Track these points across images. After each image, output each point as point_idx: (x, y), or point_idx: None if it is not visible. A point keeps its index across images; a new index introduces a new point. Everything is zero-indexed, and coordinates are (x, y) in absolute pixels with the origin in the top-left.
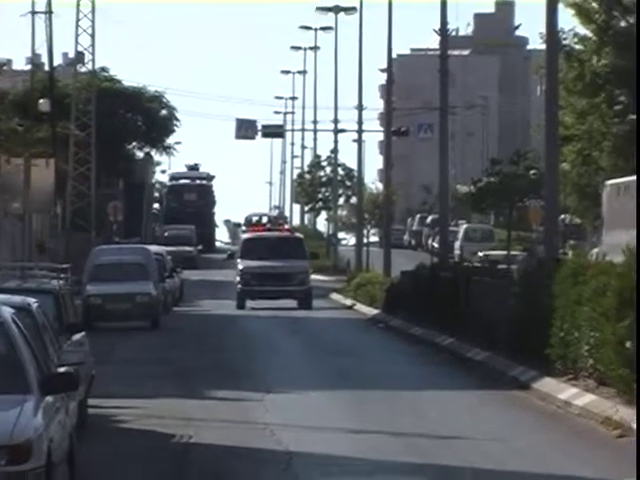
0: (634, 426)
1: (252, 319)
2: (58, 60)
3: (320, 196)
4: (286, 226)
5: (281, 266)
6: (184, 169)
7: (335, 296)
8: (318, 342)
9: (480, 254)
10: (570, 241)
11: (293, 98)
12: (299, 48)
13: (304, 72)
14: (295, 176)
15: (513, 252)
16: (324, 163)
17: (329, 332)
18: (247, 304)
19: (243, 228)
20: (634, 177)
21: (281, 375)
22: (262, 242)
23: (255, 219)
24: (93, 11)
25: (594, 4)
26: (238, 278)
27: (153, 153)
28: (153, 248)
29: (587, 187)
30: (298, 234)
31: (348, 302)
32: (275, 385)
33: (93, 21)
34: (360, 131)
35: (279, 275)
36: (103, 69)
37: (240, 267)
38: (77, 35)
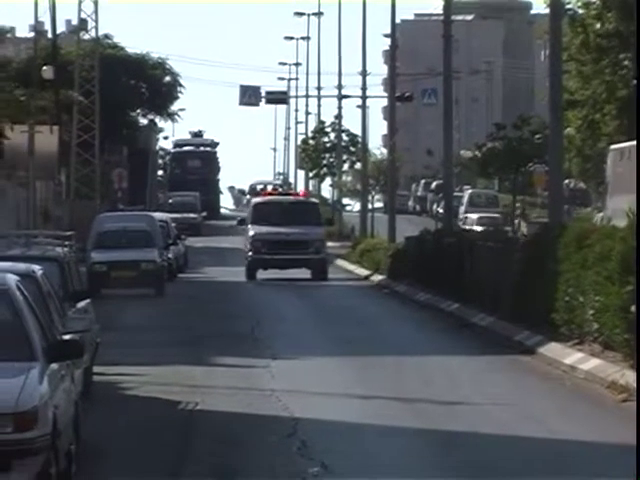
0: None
1: (257, 286)
2: (61, 27)
3: (324, 162)
4: (301, 190)
5: (295, 233)
6: (188, 136)
7: (340, 262)
8: (323, 308)
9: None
10: (576, 207)
11: (297, 64)
12: (302, 14)
13: (308, 38)
14: (299, 142)
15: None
16: (328, 129)
17: (334, 298)
18: (258, 275)
19: (247, 196)
20: (635, 142)
21: (287, 341)
22: (274, 207)
23: (260, 187)
24: None
25: None
26: (248, 246)
27: (157, 120)
28: (157, 215)
29: (590, 152)
30: (313, 199)
31: (358, 270)
32: (281, 351)
33: None
34: (364, 97)
35: (293, 242)
36: (106, 36)
37: (250, 234)
38: (80, 2)
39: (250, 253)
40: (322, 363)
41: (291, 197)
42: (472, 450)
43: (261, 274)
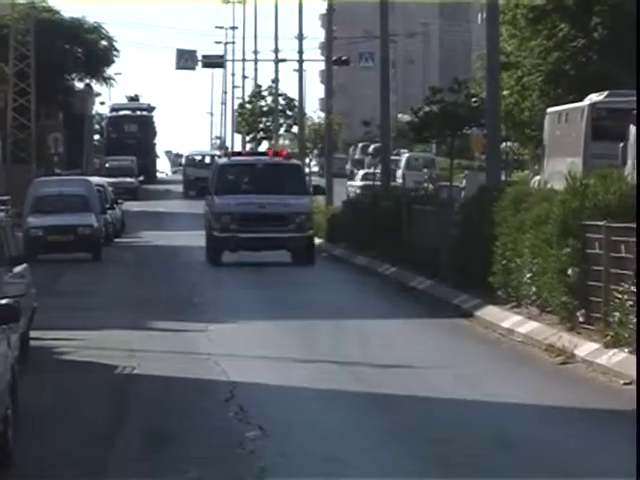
0: (576, 353)
1: (194, 250)
2: None
3: (261, 126)
4: (280, 149)
5: (273, 204)
6: (125, 101)
7: None
8: (261, 272)
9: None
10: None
11: (233, 28)
12: None
13: (244, 2)
14: (236, 106)
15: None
16: (265, 93)
17: (272, 262)
18: (224, 258)
19: (183, 161)
20: (574, 105)
21: (224, 305)
22: (246, 170)
23: (198, 158)
24: None
25: None
26: (211, 221)
27: (93, 84)
28: (94, 179)
29: (520, 115)
30: (295, 160)
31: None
32: (218, 316)
33: None
34: (301, 60)
35: (270, 217)
36: None
37: (214, 205)
38: None
39: (214, 231)
40: (259, 327)
41: (267, 157)
42: (409, 413)
43: (228, 257)
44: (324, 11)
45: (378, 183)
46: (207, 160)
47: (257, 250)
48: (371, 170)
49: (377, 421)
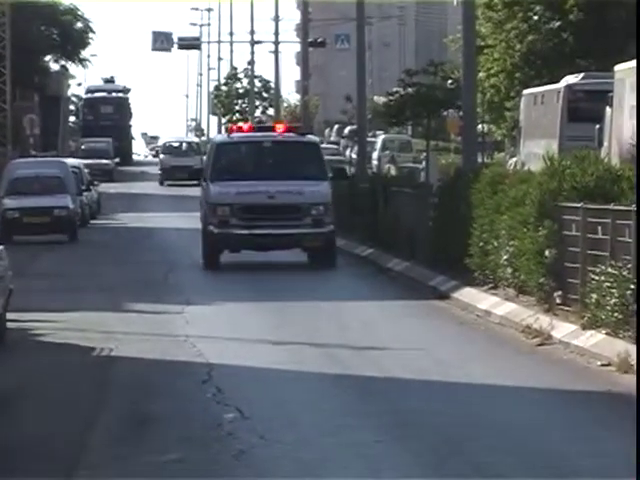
0: (554, 334)
1: (170, 232)
2: None
3: (237, 108)
4: (290, 123)
5: (283, 192)
6: (100, 82)
7: None
8: (237, 254)
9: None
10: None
11: (209, 10)
12: None
13: None
14: (212, 88)
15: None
16: (241, 75)
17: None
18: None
19: (159, 146)
20: (550, 87)
21: (200, 287)
22: (249, 150)
23: (175, 145)
24: None
25: None
26: (207, 214)
27: (69, 66)
28: (70, 161)
29: (496, 97)
30: (311, 136)
31: None
32: (194, 297)
33: None
34: (277, 42)
35: (280, 208)
36: None
37: (210, 194)
38: None
39: (210, 226)
40: (237, 309)
41: (276, 133)
42: (386, 395)
43: (228, 258)
44: None
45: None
46: (184, 147)
47: (264, 249)
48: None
49: (356, 404)
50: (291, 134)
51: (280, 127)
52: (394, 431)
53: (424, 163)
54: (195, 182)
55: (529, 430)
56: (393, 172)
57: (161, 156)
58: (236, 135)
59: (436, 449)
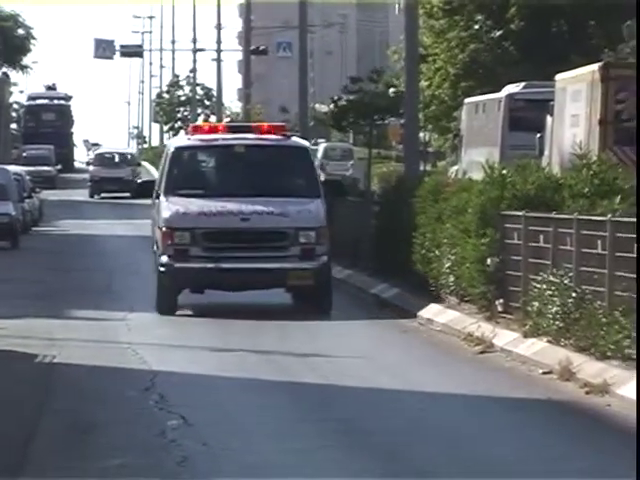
0: (495, 342)
1: (112, 238)
2: None
3: (179, 115)
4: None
5: (262, 214)
6: (42, 89)
7: None
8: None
9: None
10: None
11: (151, 17)
12: None
13: None
14: (154, 96)
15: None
16: (183, 83)
17: None
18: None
19: (96, 150)
20: (492, 95)
21: (142, 294)
22: (216, 157)
23: (107, 156)
24: None
25: None
26: (159, 242)
27: (10, 73)
28: (12, 168)
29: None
30: (301, 140)
31: None
32: (136, 304)
33: None
34: (219, 50)
35: (257, 235)
36: None
37: (163, 215)
38: None
39: (164, 257)
40: (178, 316)
41: (253, 136)
42: (327, 402)
43: (189, 299)
44: (242, 1)
45: None
46: (116, 158)
47: (236, 289)
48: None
49: (297, 410)
50: (273, 136)
51: (258, 128)
52: (338, 437)
53: (351, 171)
54: (126, 195)
55: (471, 437)
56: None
57: (91, 167)
58: (198, 137)
59: (378, 455)
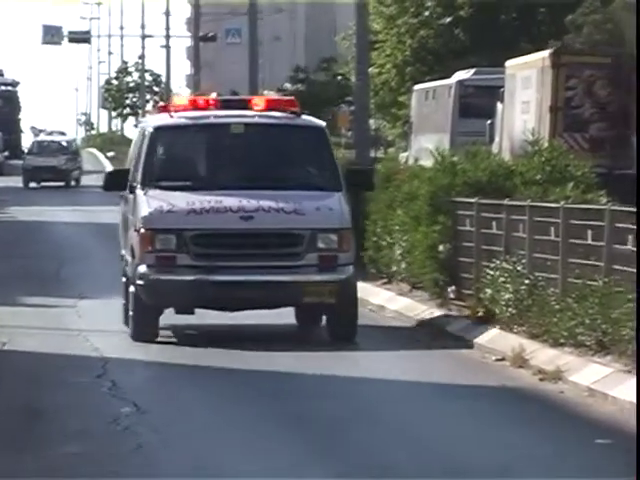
0: (448, 329)
1: (61, 225)
2: None
3: (128, 102)
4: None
5: (268, 211)
6: None
7: None
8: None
9: None
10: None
11: (99, 4)
12: None
13: None
14: (102, 82)
15: None
16: (132, 69)
17: None
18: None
19: (40, 137)
20: (441, 82)
21: (92, 281)
22: (208, 139)
23: (44, 144)
24: None
25: None
26: (133, 248)
27: None
28: None
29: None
30: (312, 118)
31: None
32: (86, 291)
33: None
34: (167, 37)
35: (263, 238)
36: None
37: (141, 214)
38: None
39: (142, 267)
40: None
41: (254, 112)
42: (281, 389)
43: (170, 319)
44: None
45: None
46: (53, 146)
47: (235, 309)
48: None
49: (248, 397)
50: (278, 113)
51: (260, 102)
52: (288, 424)
53: None
54: (61, 183)
55: (421, 424)
56: None
57: (26, 156)
58: (183, 115)
59: (329, 442)
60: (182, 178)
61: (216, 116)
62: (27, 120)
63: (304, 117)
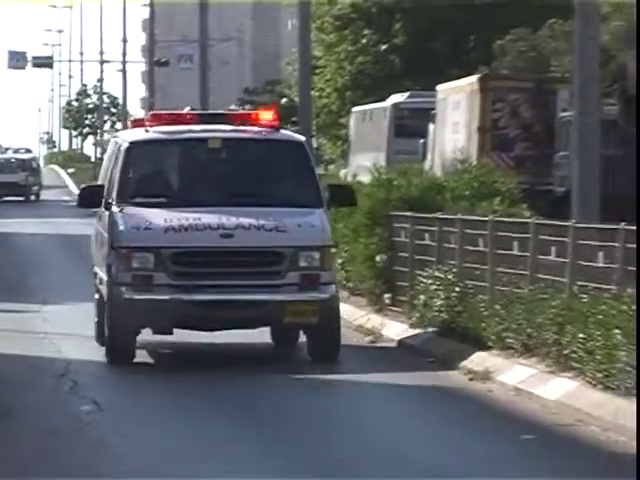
0: (384, 333)
1: (25, 236)
2: None
3: (87, 122)
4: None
5: (249, 229)
6: None
7: None
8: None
9: None
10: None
11: (60, 31)
12: None
13: (70, 7)
14: (63, 104)
15: None
16: (90, 91)
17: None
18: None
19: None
20: (378, 104)
21: (56, 288)
22: (190, 154)
23: (2, 162)
24: None
25: None
26: (111, 266)
27: None
28: None
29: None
30: (295, 134)
31: None
32: (51, 297)
33: None
34: (124, 62)
35: (243, 256)
36: None
37: (118, 231)
38: None
39: (118, 287)
40: (90, 308)
41: (232, 127)
42: (232, 392)
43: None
44: (146, 16)
45: None
46: (12, 163)
47: (215, 328)
48: None
49: (209, 398)
50: (257, 128)
51: (240, 116)
52: (236, 427)
53: None
54: (20, 198)
55: (354, 423)
56: None
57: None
58: (160, 130)
59: (266, 441)
60: (159, 194)
61: (193, 131)
62: None
63: (283, 131)
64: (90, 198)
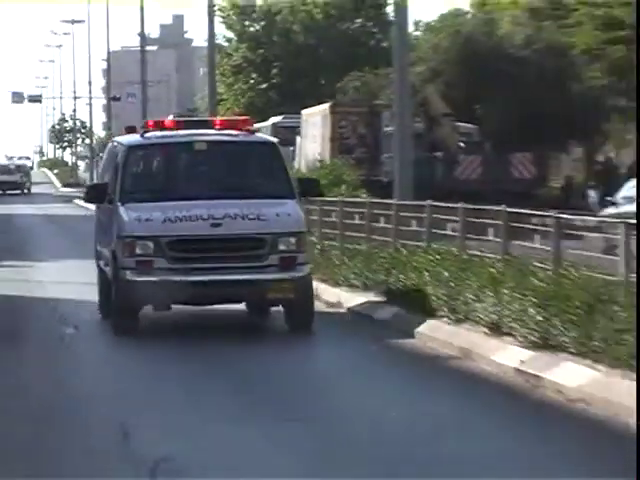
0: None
1: (22, 216)
2: None
3: (65, 139)
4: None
5: (235, 218)
6: None
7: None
8: (71, 230)
9: None
10: None
11: (46, 78)
12: (50, 46)
13: (53, 61)
14: (49, 126)
15: None
16: (68, 118)
17: (84, 225)
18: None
19: (3, 162)
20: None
21: (45, 251)
22: (181, 155)
23: (3, 166)
24: None
25: (234, 16)
26: (115, 252)
27: None
28: None
29: None
30: (268, 137)
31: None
32: (42, 257)
33: None
34: (90, 97)
35: (231, 242)
36: None
37: (123, 223)
38: None
39: (124, 271)
40: (72, 265)
41: (214, 131)
42: (213, 377)
43: (148, 315)
44: (105, 67)
45: None
46: (11, 167)
47: (207, 303)
48: None
49: (182, 361)
50: (235, 132)
51: (221, 123)
52: (216, 408)
53: None
54: (17, 192)
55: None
56: None
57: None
58: (153, 135)
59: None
60: (156, 190)
61: (182, 135)
62: (2, 149)
63: (257, 134)
64: (95, 194)
